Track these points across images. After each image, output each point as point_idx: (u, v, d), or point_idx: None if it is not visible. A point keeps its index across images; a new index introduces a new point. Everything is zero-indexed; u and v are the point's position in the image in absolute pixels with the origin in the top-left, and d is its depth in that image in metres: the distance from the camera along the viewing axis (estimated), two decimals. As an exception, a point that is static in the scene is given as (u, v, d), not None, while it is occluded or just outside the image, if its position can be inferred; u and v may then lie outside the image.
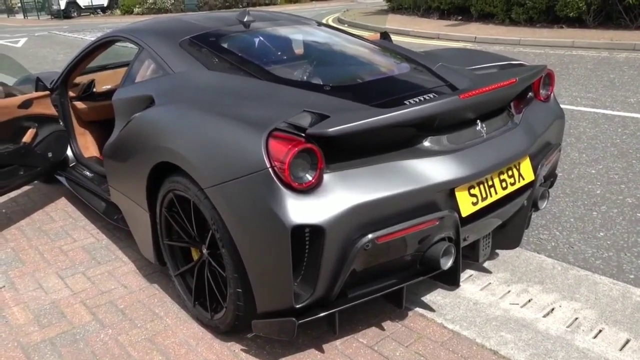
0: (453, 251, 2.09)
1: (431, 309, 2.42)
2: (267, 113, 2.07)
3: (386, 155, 2.03)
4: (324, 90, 2.35)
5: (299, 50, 2.96)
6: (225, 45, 2.81)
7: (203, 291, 2.33)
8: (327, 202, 1.85)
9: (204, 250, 2.27)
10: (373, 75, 2.63)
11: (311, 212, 1.82)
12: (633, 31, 9.82)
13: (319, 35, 3.19)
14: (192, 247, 2.40)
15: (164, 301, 2.58)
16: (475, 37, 10.95)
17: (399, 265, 2.10)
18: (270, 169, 1.83)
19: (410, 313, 2.39)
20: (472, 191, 2.16)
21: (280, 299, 1.94)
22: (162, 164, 2.30)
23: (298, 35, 3.12)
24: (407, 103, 2.23)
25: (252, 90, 2.36)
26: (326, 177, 1.89)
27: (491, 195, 2.23)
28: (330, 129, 1.83)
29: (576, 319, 2.34)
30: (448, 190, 2.08)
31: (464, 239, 2.20)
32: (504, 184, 2.28)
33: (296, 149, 1.81)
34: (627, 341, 2.19)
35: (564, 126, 2.83)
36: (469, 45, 10.45)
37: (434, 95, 2.33)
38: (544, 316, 2.37)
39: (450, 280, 2.20)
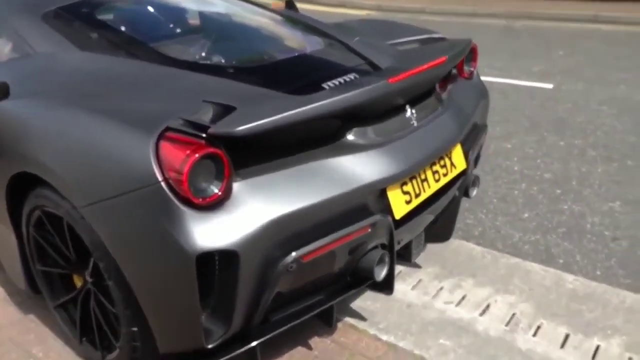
0: (387, 259, 1.83)
1: (362, 318, 2.16)
2: (155, 107, 1.65)
3: (304, 154, 1.69)
4: (226, 74, 1.96)
5: (194, 23, 2.51)
6: (101, 18, 2.30)
7: (91, 325, 1.90)
8: (239, 218, 1.49)
9: (87, 278, 1.83)
10: (283, 53, 2.27)
11: (220, 233, 1.45)
12: (528, 1, 10.11)
13: (217, 5, 2.75)
14: (73, 273, 1.95)
15: (43, 338, 2.10)
16: (380, 5, 10.80)
17: (327, 280, 1.80)
18: (163, 182, 1.43)
19: (339, 325, 2.12)
20: (404, 188, 1.89)
21: (187, 339, 1.58)
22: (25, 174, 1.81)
23: (192, 4, 2.66)
24: (326, 87, 1.90)
25: (137, 76, 1.92)
26: (235, 186, 1.52)
27: (424, 191, 1.98)
28: (239, 128, 1.45)
29: (513, 314, 2.19)
30: (379, 191, 1.80)
31: (398, 242, 1.95)
32: (436, 176, 2.04)
33: (196, 155, 1.42)
34: (567, 336, 2.07)
35: (489, 105, 2.65)
36: (373, 14, 10.28)
37: (355, 77, 2.02)
38: (481, 314, 2.20)
39: (385, 288, 1.93)
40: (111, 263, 1.59)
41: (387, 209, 1.83)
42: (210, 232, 1.45)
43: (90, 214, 1.56)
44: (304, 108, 1.55)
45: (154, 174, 1.43)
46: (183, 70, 1.96)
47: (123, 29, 2.25)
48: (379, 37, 2.64)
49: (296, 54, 2.26)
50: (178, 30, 2.38)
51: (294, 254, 1.57)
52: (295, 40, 2.46)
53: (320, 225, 1.64)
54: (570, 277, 2.39)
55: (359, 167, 1.74)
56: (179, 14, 2.52)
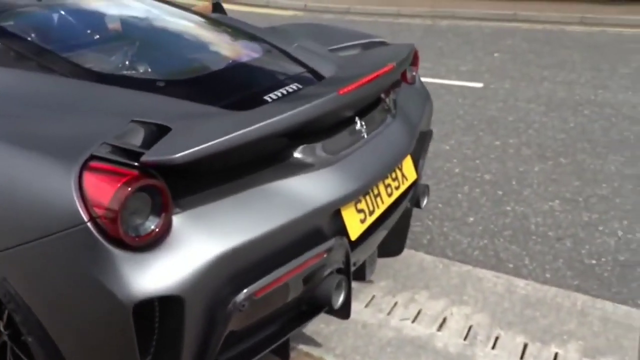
0: (344, 284, 1.70)
1: (316, 343, 2.03)
2: (75, 130, 1.43)
3: (250, 178, 1.52)
4: (155, 88, 1.75)
5: (114, 30, 2.26)
6: (8, 27, 2.01)
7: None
8: (181, 257, 1.30)
9: (2, 329, 1.57)
10: (218, 62, 2.07)
11: (159, 276, 1.26)
12: (451, 0, 10.36)
13: (139, 9, 2.50)
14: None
15: (-51, 399, 1.81)
16: (306, 5, 10.69)
17: (281, 313, 1.64)
18: (89, 223, 1.22)
19: (292, 353, 1.97)
20: (358, 206, 1.77)
21: (125, 398, 1.37)
22: None
23: (112, 9, 2.40)
24: (269, 99, 1.75)
25: (52, 93, 1.67)
26: (174, 220, 1.34)
27: (378, 207, 1.87)
28: (179, 155, 1.26)
29: (470, 327, 2.13)
30: (332, 212, 1.66)
31: (354, 264, 1.82)
32: (389, 190, 1.94)
33: (129, 189, 1.22)
34: (525, 346, 2.04)
35: (432, 109, 2.59)
36: (299, 14, 10.17)
37: (297, 87, 1.88)
38: (438, 329, 2.12)
39: (343, 313, 1.80)
40: (30, 316, 1.35)
41: (342, 231, 1.70)
42: (148, 276, 1.25)
43: (1, 262, 1.31)
44: (251, 128, 1.38)
45: (78, 213, 1.22)
46: (105, 85, 1.73)
47: (30, 37, 1.97)
48: (317, 42, 2.51)
49: (232, 64, 2.08)
50: (96, 39, 2.13)
51: (245, 290, 1.40)
52: (229, 48, 2.28)
53: (272, 256, 1.49)
54: (521, 282, 2.37)
55: (310, 188, 1.60)
56: (97, 20, 2.27)
